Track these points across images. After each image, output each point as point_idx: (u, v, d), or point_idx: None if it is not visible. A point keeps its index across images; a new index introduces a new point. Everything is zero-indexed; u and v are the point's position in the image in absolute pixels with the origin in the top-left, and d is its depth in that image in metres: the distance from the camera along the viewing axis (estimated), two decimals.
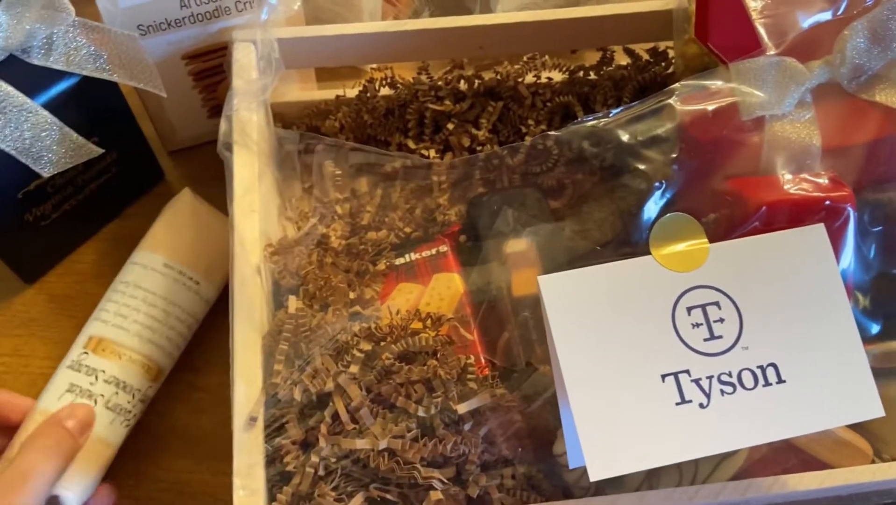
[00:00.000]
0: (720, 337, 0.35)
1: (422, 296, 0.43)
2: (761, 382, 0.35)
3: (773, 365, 0.35)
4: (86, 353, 0.44)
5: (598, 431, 0.33)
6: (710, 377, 0.35)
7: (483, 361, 0.40)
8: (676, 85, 0.41)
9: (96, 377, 0.43)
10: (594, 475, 0.32)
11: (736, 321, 0.36)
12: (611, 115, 0.41)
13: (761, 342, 0.35)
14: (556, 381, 0.35)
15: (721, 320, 0.36)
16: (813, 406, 0.35)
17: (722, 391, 0.34)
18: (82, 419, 0.41)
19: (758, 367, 0.35)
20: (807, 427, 0.34)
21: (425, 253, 0.45)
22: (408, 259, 0.45)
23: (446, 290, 0.44)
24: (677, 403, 0.34)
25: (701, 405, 0.34)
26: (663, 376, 0.34)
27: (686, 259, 0.37)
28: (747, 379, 0.35)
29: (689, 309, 0.36)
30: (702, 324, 0.36)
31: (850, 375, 0.35)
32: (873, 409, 0.35)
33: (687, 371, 0.35)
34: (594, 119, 0.42)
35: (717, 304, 0.36)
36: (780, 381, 0.35)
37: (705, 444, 0.33)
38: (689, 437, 0.33)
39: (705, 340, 0.35)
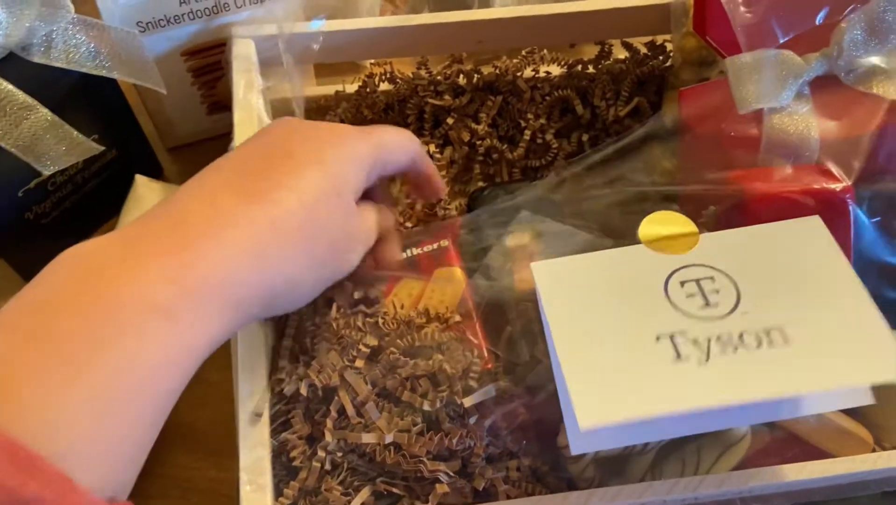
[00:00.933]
0: (717, 305, 0.34)
1: (424, 290, 0.44)
2: (765, 343, 0.32)
3: (778, 328, 0.33)
4: None
5: (587, 383, 0.31)
6: (708, 338, 0.33)
7: (486, 354, 0.40)
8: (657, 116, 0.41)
9: None
10: (584, 423, 0.30)
11: (733, 292, 0.34)
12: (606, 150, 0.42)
13: (762, 309, 0.33)
14: (552, 359, 0.34)
15: (717, 291, 0.33)
16: (825, 364, 0.32)
17: (722, 350, 0.32)
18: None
19: (762, 329, 0.33)
20: (819, 384, 0.32)
21: (427, 248, 0.46)
22: (409, 254, 0.45)
23: (448, 283, 0.44)
24: (674, 360, 0.32)
25: (699, 361, 0.32)
26: (658, 337, 0.33)
27: (677, 245, 0.36)
28: (749, 340, 0.32)
29: (683, 283, 0.34)
30: (696, 294, 0.34)
31: (867, 335, 0.33)
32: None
33: (683, 332, 0.33)
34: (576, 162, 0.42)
35: (711, 278, 0.34)
36: (787, 342, 0.32)
37: (705, 396, 0.31)
38: (687, 390, 0.31)
39: (701, 307, 0.33)
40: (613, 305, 0.34)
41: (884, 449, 0.40)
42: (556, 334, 0.33)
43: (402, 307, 0.39)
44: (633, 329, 0.33)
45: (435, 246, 0.46)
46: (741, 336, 0.33)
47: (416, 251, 0.45)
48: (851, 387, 0.34)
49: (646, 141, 0.45)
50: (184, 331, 0.27)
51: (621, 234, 0.44)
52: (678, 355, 0.32)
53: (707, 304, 0.34)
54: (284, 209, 0.31)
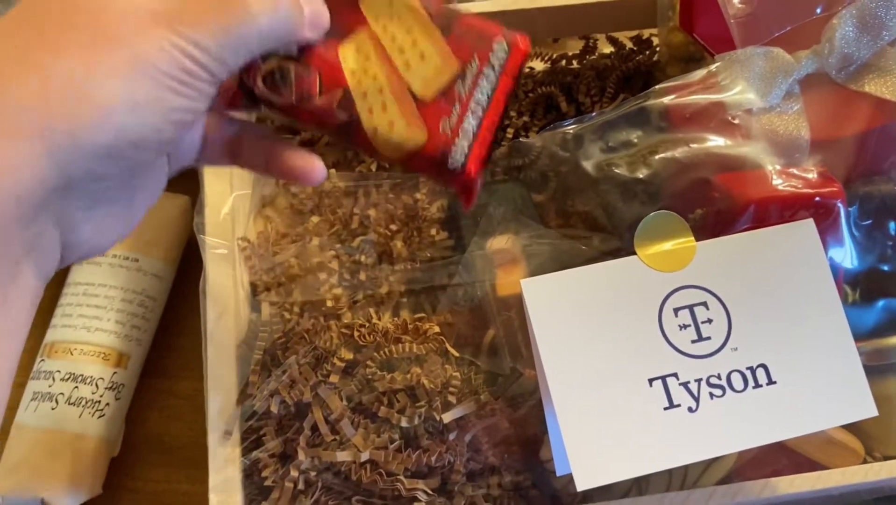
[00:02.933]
0: (708, 338, 0.35)
1: (377, 37, 0.29)
2: (751, 383, 0.34)
3: (763, 366, 0.34)
4: (42, 360, 0.45)
5: (584, 440, 0.32)
6: (698, 380, 0.34)
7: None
8: (657, 87, 0.39)
9: (53, 378, 0.43)
10: (581, 484, 0.32)
11: (724, 321, 0.35)
12: (592, 116, 0.40)
13: (750, 342, 0.35)
14: (542, 387, 0.34)
15: (709, 321, 0.35)
16: (804, 407, 0.34)
17: (711, 394, 0.34)
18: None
19: (747, 368, 0.34)
20: (798, 429, 0.34)
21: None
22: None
23: (389, 5, 0.29)
24: (665, 408, 0.33)
25: (690, 409, 0.33)
26: (650, 380, 0.33)
27: (672, 258, 0.36)
28: (737, 381, 0.34)
29: (677, 310, 0.35)
30: (689, 325, 0.35)
31: (842, 375, 0.35)
32: (866, 408, 0.34)
33: (675, 374, 0.34)
34: (575, 122, 0.40)
35: (704, 304, 0.35)
36: (771, 382, 0.34)
37: (695, 449, 0.33)
38: (677, 442, 0.33)
39: (693, 341, 0.34)
40: (608, 334, 0.34)
41: (874, 459, 0.39)
42: (548, 365, 0.33)
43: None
44: (627, 369, 0.34)
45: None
46: (729, 377, 0.34)
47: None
48: (829, 428, 0.36)
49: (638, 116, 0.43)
50: None
51: (607, 230, 0.42)
52: (670, 403, 0.33)
53: (699, 337, 0.34)
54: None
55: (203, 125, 0.29)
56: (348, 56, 0.28)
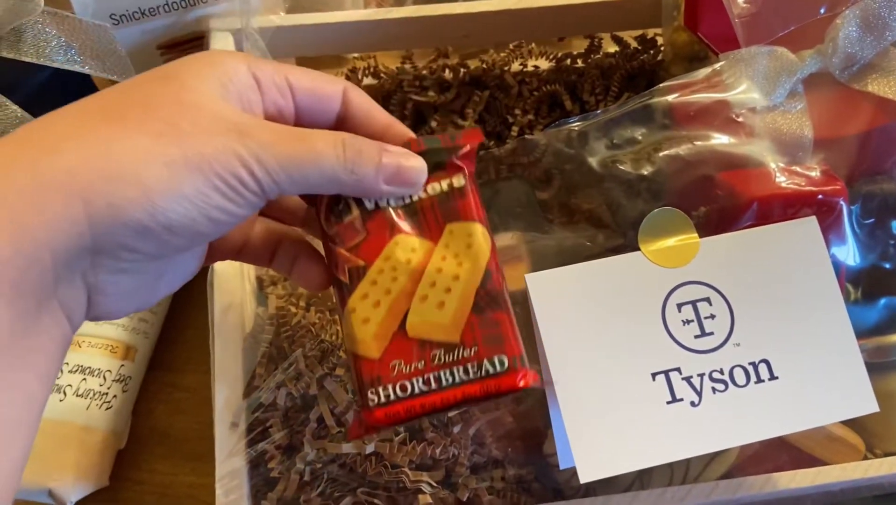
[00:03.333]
0: (711, 333, 0.35)
1: (430, 256, 0.30)
2: (753, 378, 0.34)
3: (766, 361, 0.35)
4: None
5: (587, 432, 0.33)
6: (701, 375, 0.34)
7: (525, 365, 0.30)
8: (662, 85, 0.40)
9: (61, 371, 0.43)
10: (584, 477, 0.32)
11: (727, 317, 0.35)
12: (597, 113, 0.40)
13: (753, 338, 0.35)
14: (545, 380, 0.34)
15: (712, 317, 0.35)
16: (806, 402, 0.34)
17: (713, 389, 0.34)
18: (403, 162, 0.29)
19: (750, 363, 0.35)
20: (800, 424, 0.34)
21: (433, 189, 0.30)
22: (407, 200, 0.30)
23: (465, 248, 0.30)
24: (668, 402, 0.33)
25: (692, 403, 0.34)
26: (654, 375, 0.34)
27: (676, 254, 0.36)
28: (739, 376, 0.34)
29: (680, 305, 0.35)
30: (692, 321, 0.35)
31: (844, 371, 0.35)
32: (867, 404, 0.35)
33: (678, 369, 0.34)
34: (580, 120, 0.41)
35: (707, 299, 0.35)
36: (773, 377, 0.34)
37: (697, 443, 0.33)
38: (680, 436, 0.33)
39: (696, 336, 0.35)
40: (611, 329, 0.34)
41: (875, 455, 0.39)
42: (552, 359, 0.33)
43: (393, 279, 0.30)
44: (630, 364, 0.34)
45: (444, 186, 0.30)
46: (731, 372, 0.34)
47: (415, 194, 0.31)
48: (831, 423, 0.36)
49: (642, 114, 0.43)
50: None
51: (611, 227, 0.43)
52: (673, 397, 0.33)
53: (702, 333, 0.35)
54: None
55: (246, 228, 0.31)
56: (401, 245, 0.29)
